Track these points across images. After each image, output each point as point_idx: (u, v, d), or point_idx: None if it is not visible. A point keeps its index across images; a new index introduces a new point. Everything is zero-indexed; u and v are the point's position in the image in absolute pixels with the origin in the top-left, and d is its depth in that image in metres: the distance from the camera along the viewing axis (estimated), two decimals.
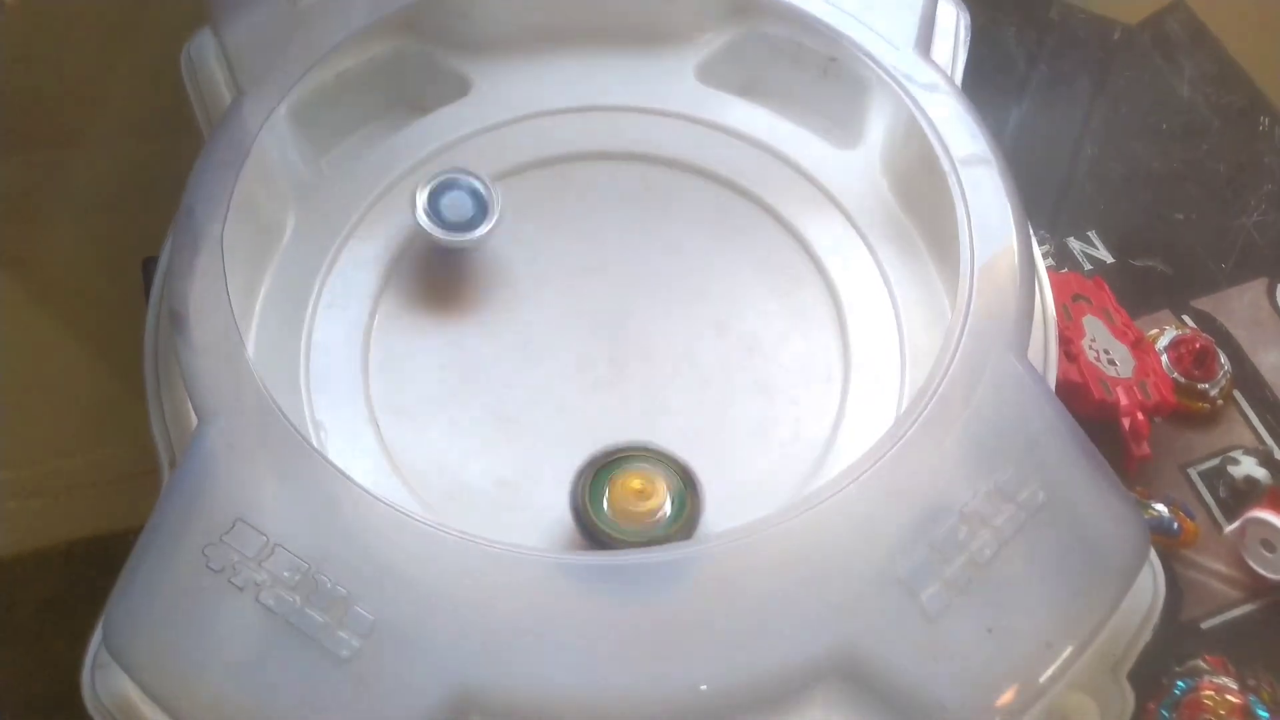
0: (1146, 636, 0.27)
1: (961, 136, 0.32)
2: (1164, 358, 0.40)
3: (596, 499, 0.28)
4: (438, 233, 0.33)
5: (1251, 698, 0.34)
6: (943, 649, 0.24)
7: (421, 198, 0.33)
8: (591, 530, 0.27)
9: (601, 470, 0.28)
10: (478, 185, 0.33)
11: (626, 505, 0.28)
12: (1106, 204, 0.47)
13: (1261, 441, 0.40)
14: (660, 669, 0.24)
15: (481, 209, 0.33)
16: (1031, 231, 0.32)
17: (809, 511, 0.26)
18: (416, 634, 0.24)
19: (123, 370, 0.38)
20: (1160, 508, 0.37)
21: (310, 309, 0.33)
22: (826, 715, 0.25)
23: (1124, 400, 0.37)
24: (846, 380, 0.33)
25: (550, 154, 0.37)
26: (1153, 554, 0.27)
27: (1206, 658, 0.35)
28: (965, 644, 0.24)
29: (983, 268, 0.30)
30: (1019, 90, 0.51)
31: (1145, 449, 0.38)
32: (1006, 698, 0.24)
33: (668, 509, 0.28)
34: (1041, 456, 0.27)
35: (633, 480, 0.28)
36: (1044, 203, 0.47)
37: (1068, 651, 0.25)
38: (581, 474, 0.28)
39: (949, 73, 0.34)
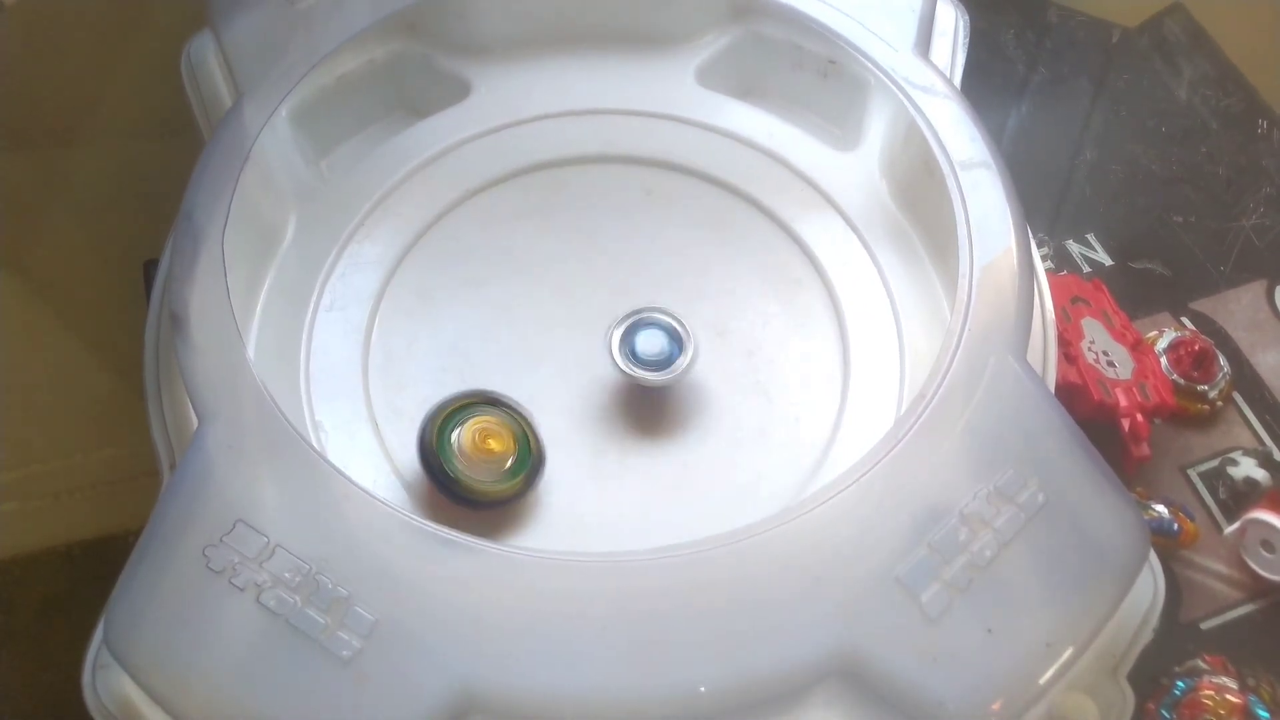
0: (1146, 637, 0.27)
1: (961, 139, 0.32)
2: (1163, 359, 0.40)
3: (445, 448, 0.29)
4: (639, 373, 0.31)
5: (1251, 697, 0.34)
6: (943, 650, 0.24)
7: (616, 339, 0.31)
8: (442, 478, 0.29)
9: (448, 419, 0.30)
10: (671, 322, 0.32)
11: (477, 454, 0.29)
12: (1105, 206, 0.47)
13: (1261, 443, 0.40)
14: (660, 669, 0.24)
15: (677, 344, 0.31)
16: (1030, 234, 0.32)
17: (809, 513, 0.26)
18: (417, 634, 0.24)
19: (123, 372, 0.38)
20: (1160, 509, 0.37)
21: (310, 311, 0.33)
22: (826, 716, 0.25)
23: (1123, 402, 0.37)
24: (846, 382, 0.33)
25: (550, 157, 0.37)
26: (1152, 555, 0.27)
27: (1206, 658, 0.35)
28: (965, 645, 0.25)
29: (982, 270, 0.30)
30: (1018, 93, 0.51)
31: (1145, 450, 0.38)
32: (1006, 698, 0.24)
33: (511, 460, 0.30)
34: (1041, 458, 0.27)
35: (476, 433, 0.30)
36: (1043, 205, 0.47)
37: (1068, 652, 0.25)
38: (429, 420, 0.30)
39: (948, 75, 0.34)
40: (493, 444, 0.29)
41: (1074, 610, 0.25)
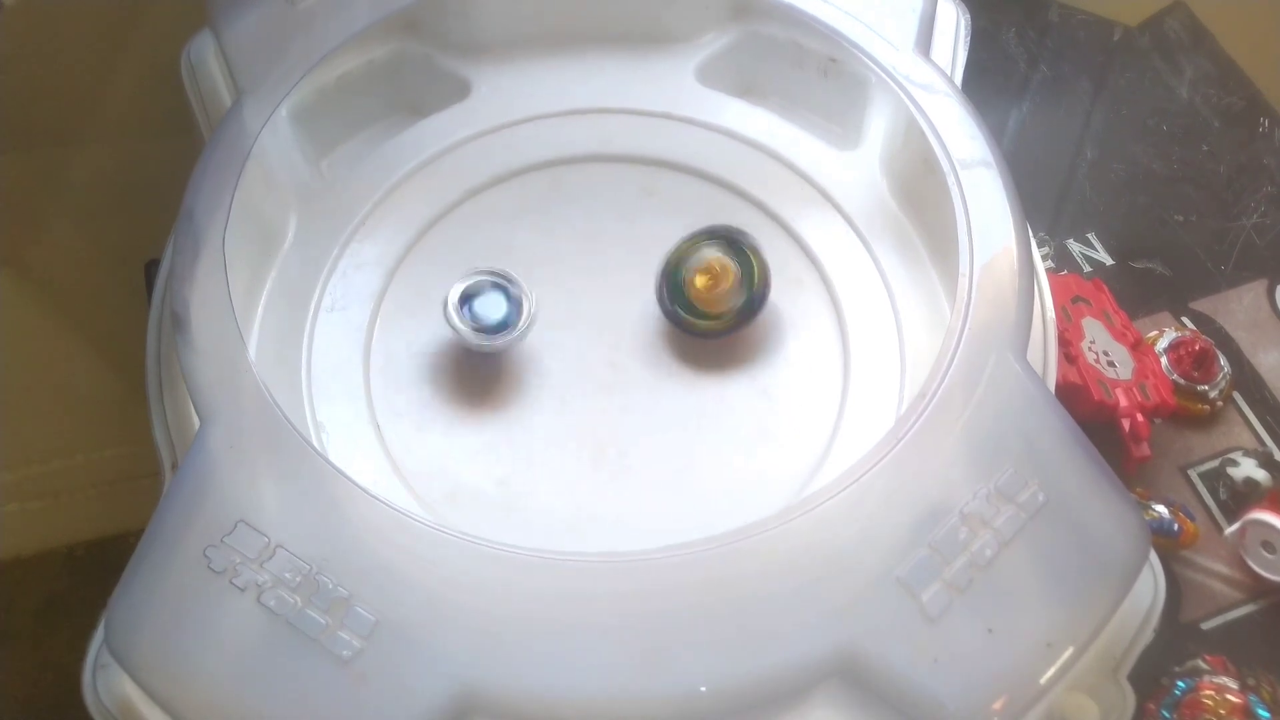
0: (1147, 637, 0.27)
1: (961, 138, 0.32)
2: (1163, 359, 0.40)
3: (678, 295, 0.33)
4: (471, 337, 0.31)
5: (1251, 697, 0.34)
6: (943, 649, 0.24)
7: (454, 299, 0.32)
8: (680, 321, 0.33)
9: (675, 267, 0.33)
10: (510, 287, 0.32)
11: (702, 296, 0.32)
12: (1106, 206, 0.47)
13: (1261, 443, 0.40)
14: (660, 669, 0.24)
15: (515, 310, 0.32)
16: (1031, 233, 0.32)
17: (809, 512, 0.26)
18: (418, 634, 0.24)
19: (124, 372, 0.38)
20: (1160, 509, 0.37)
21: (311, 311, 0.34)
22: (826, 715, 0.25)
23: (1123, 402, 0.37)
24: (846, 381, 0.33)
25: (550, 156, 0.37)
26: (1153, 555, 0.27)
27: (1206, 658, 0.35)
28: (966, 644, 0.25)
29: (982, 269, 0.30)
30: (1018, 91, 0.51)
31: (1145, 450, 0.38)
32: (1007, 698, 0.24)
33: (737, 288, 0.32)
34: (1041, 458, 0.27)
35: (698, 277, 0.32)
36: (1043, 204, 0.47)
37: (1068, 652, 0.25)
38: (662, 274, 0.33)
39: (949, 74, 0.34)
40: (714, 279, 0.32)
41: (1074, 610, 0.25)
